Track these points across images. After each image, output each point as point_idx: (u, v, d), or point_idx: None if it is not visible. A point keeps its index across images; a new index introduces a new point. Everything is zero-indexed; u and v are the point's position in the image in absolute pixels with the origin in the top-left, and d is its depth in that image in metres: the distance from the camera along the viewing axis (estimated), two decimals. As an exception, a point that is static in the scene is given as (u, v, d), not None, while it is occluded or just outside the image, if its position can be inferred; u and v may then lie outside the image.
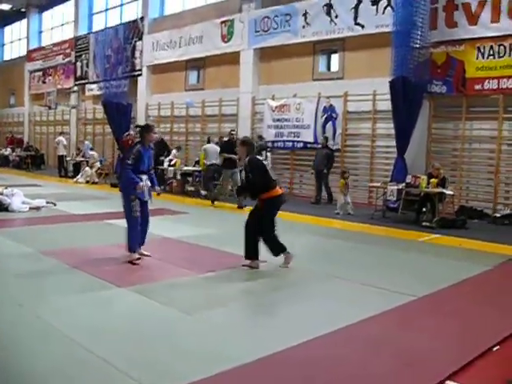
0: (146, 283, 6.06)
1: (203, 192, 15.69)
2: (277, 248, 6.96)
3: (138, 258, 7.06)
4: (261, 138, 16.24)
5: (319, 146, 14.93)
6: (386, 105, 13.53)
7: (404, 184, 11.63)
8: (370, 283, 6.22)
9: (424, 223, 10.91)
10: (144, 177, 7.15)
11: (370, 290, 5.99)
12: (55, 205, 12.23)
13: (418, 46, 12.66)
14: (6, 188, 11.85)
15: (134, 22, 22.20)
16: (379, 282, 6.24)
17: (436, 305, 5.60)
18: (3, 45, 35.35)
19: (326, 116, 15.38)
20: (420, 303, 5.58)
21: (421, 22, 12.56)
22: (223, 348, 4.18)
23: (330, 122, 15.28)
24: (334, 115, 15.20)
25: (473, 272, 7.01)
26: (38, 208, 11.68)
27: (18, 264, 6.76)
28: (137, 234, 7.07)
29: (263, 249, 6.96)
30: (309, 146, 15.66)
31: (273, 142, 16.81)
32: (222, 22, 18.21)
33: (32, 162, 26.27)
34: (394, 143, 13.31)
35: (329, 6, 14.93)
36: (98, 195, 15.40)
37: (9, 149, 28.06)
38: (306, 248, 8.46)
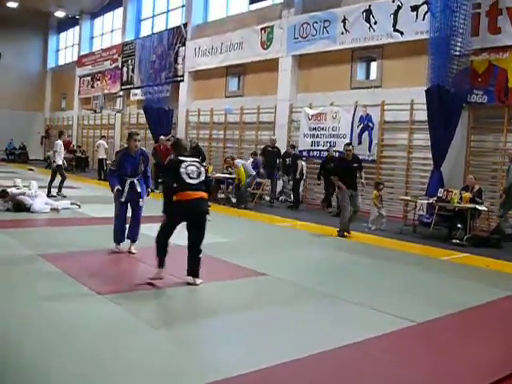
0: (131, 291, 5.75)
1: (233, 199, 15.40)
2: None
3: (116, 252, 7.70)
4: (293, 147, 15.85)
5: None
6: (423, 115, 12.88)
7: (435, 198, 10.98)
8: (370, 304, 5.68)
9: (454, 240, 10.23)
10: (129, 180, 7.59)
11: (366, 312, 5.47)
12: (79, 206, 12.21)
13: (457, 53, 11.99)
14: (29, 188, 11.87)
15: (178, 28, 22.21)
16: (381, 304, 5.70)
17: (432, 333, 5.03)
18: (58, 50, 36.27)
19: (362, 125, 14.84)
20: (415, 330, 5.02)
21: (462, 28, 11.90)
22: (188, 366, 3.81)
23: (367, 132, 14.72)
24: (370, 125, 14.63)
25: (490, 297, 6.36)
26: (57, 209, 11.61)
27: (7, 267, 6.58)
28: (116, 229, 7.80)
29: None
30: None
31: (308, 151, 16.39)
32: (262, 29, 17.93)
33: (77, 164, 26.66)
34: (431, 155, 12.66)
35: (368, 12, 14.41)
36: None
37: (56, 151, 28.55)
38: (317, 263, 8.01)
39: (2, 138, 33.59)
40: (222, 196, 16.49)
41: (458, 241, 10.16)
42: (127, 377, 3.65)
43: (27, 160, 32.53)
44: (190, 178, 6.08)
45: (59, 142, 14.99)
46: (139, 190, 7.69)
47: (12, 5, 29.79)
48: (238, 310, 5.37)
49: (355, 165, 10.84)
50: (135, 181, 7.66)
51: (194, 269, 6.18)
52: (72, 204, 12.20)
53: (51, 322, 4.65)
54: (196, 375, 3.72)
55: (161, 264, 6.19)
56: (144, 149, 7.97)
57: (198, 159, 6.54)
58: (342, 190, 10.46)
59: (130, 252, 7.73)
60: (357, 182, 10.79)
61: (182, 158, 6.23)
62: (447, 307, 5.74)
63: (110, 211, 11.95)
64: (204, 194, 6.18)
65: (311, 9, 16.29)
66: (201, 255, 6.20)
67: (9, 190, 11.60)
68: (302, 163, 15.70)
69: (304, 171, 16.28)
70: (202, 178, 6.20)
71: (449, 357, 4.37)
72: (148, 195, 8.00)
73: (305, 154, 16.44)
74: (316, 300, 5.91)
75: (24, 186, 12.35)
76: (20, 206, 11.17)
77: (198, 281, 6.12)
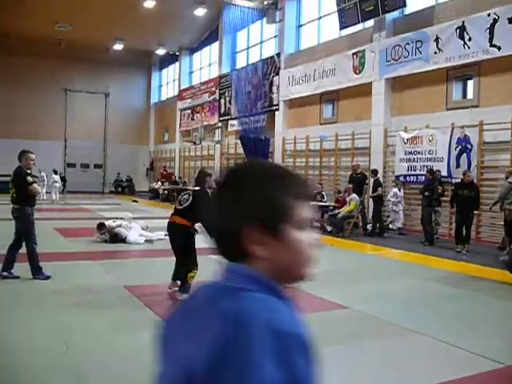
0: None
1: (329, 228, 15.16)
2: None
3: None
4: (375, 172, 15.44)
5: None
6: (526, 134, 12.10)
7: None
8: (451, 341, 5.26)
9: None
10: None
11: (445, 351, 5.06)
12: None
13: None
14: (124, 220, 12.29)
15: (272, 58, 22.48)
16: (464, 342, 5.26)
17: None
18: (160, 86, 37.95)
19: (460, 147, 14.14)
20: (505, 373, 4.57)
21: None
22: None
23: (465, 154, 14.01)
24: (468, 146, 13.92)
25: None
26: (151, 241, 11.91)
27: (88, 296, 6.77)
28: None
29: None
30: (443, 179, 14.46)
31: (405, 176, 15.86)
32: (354, 54, 17.71)
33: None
34: (536, 176, 11.79)
35: (462, 29, 13.82)
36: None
37: (159, 183, 29.72)
38: (405, 295, 7.57)
39: (110, 171, 35.56)
40: (317, 224, 16.28)
41: None
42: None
43: (134, 192, 34.03)
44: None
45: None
46: None
47: (118, 47, 31.62)
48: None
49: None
50: None
51: None
52: (166, 235, 12.38)
53: (107, 355, 4.69)
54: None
55: None
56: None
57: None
58: None
59: None
60: None
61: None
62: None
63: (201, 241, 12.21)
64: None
65: (402, 30, 15.91)
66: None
67: (106, 222, 12.09)
68: (396, 190, 15.33)
69: (389, 197, 15.76)
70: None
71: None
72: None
73: (401, 179, 15.93)
74: (395, 336, 5.57)
75: (119, 218, 12.79)
76: (116, 238, 11.60)
77: None
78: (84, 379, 4.19)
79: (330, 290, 7.45)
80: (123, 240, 11.66)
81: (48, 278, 7.74)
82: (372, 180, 15.48)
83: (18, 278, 7.78)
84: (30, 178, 7.78)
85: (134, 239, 11.69)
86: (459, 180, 13.13)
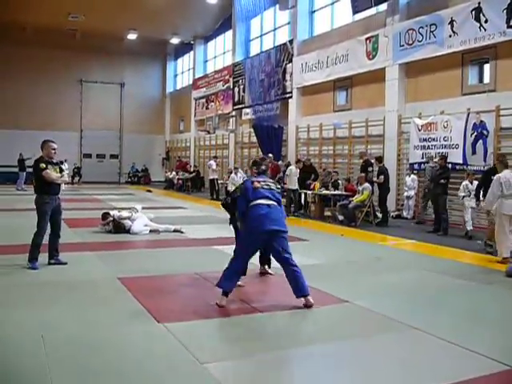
0: (190, 320, 5.45)
1: (340, 217, 14.81)
2: None
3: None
4: (380, 159, 15.09)
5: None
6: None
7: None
8: (454, 340, 4.92)
9: None
10: None
11: (447, 350, 4.73)
12: (182, 233, 11.96)
13: None
14: (136, 212, 12.02)
15: (284, 44, 22.09)
16: (471, 340, 4.92)
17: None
18: (176, 75, 37.75)
19: (475, 134, 13.68)
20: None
21: None
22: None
23: (481, 140, 13.55)
24: (484, 132, 13.45)
25: None
26: (157, 231, 11.69)
27: (78, 288, 6.59)
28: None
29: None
30: (457, 167, 14.03)
31: (419, 163, 15.44)
32: (367, 39, 17.27)
33: (192, 184, 27.33)
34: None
35: (478, 11, 13.31)
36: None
37: (173, 172, 29.59)
38: (411, 288, 7.22)
39: (126, 161, 35.57)
40: (329, 214, 15.96)
41: None
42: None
43: (149, 182, 34.00)
44: None
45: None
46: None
47: (132, 37, 31.47)
48: (303, 344, 4.89)
49: None
50: None
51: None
52: (175, 231, 11.89)
53: (97, 346, 4.48)
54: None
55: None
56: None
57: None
58: None
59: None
60: None
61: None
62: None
63: (210, 233, 11.98)
64: None
65: (416, 13, 15.42)
66: None
67: (111, 212, 11.89)
68: (413, 176, 14.94)
69: (415, 185, 15.49)
70: None
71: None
72: None
73: (416, 166, 15.53)
74: (397, 333, 5.26)
75: (128, 208, 12.56)
76: (119, 228, 11.40)
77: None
78: (60, 375, 3.96)
79: (334, 283, 7.17)
80: (127, 231, 11.46)
81: (35, 268, 7.63)
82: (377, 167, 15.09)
83: (65, 263, 7.96)
84: (42, 165, 7.77)
85: (138, 229, 11.48)
86: (477, 167, 12.76)
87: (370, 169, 15.22)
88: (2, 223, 12.76)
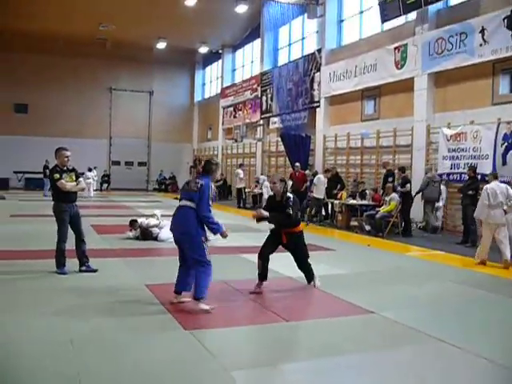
0: (216, 328, 5.47)
1: (367, 227, 14.72)
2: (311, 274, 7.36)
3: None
4: (403, 169, 15.03)
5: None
6: None
7: None
8: (480, 353, 4.84)
9: None
10: None
11: (472, 363, 4.66)
12: (209, 240, 11.96)
13: None
14: (157, 217, 12.11)
15: (313, 54, 22.11)
16: (498, 354, 4.83)
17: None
18: (204, 84, 38.01)
19: (506, 144, 13.49)
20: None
21: None
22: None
23: (511, 152, 13.37)
24: (515, 143, 13.27)
25: None
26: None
27: (105, 293, 6.65)
28: None
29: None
30: (487, 178, 13.81)
31: (448, 174, 15.27)
32: (396, 48, 17.18)
33: (219, 192, 27.41)
34: None
35: (510, 19, 13.13)
36: (261, 228, 15.19)
37: (200, 181, 29.66)
38: (439, 300, 7.13)
39: (154, 169, 35.94)
40: (355, 223, 15.87)
41: None
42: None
43: (177, 189, 34.15)
44: None
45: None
46: None
47: (161, 46, 31.82)
48: (327, 355, 4.85)
49: None
50: None
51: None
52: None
53: (124, 352, 4.52)
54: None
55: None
56: None
57: None
58: None
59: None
60: None
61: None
62: None
63: (238, 241, 11.98)
64: None
65: (446, 22, 15.29)
66: None
67: (139, 220, 12.00)
68: (441, 187, 14.81)
69: (443, 195, 15.32)
70: None
71: None
72: None
73: (444, 177, 15.36)
74: (422, 345, 5.19)
75: (150, 216, 12.62)
76: (147, 235, 11.50)
77: None
78: (89, 379, 4.00)
79: (359, 294, 7.12)
80: (155, 238, 11.55)
81: (64, 273, 7.75)
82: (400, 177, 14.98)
83: (96, 271, 8.03)
84: (56, 175, 7.83)
85: (165, 237, 11.51)
86: (508, 178, 12.59)
87: (390, 179, 15.13)
88: (32, 229, 12.94)
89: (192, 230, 6.11)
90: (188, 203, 6.15)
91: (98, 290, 6.92)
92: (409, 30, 16.82)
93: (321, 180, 16.46)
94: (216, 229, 6.30)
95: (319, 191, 16.31)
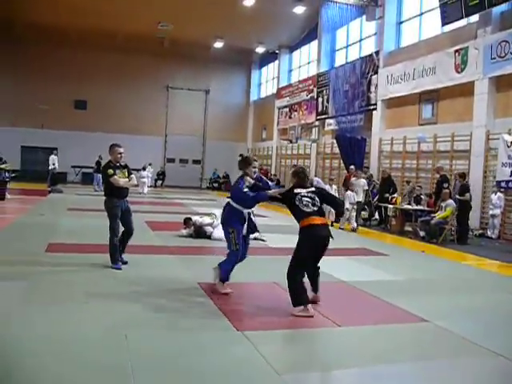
0: (269, 330, 5.51)
1: (422, 233, 14.50)
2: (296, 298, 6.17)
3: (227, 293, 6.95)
4: (463, 176, 14.71)
5: None
6: None
7: None
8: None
9: None
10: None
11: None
12: (263, 241, 12.01)
13: None
14: (215, 217, 12.21)
15: (370, 56, 21.90)
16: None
17: None
18: (260, 84, 38.18)
19: None
20: None
21: None
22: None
23: None
24: None
25: None
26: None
27: (158, 290, 6.79)
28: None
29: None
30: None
31: (507, 181, 14.86)
32: (456, 51, 16.83)
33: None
34: None
35: None
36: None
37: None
38: (495, 312, 6.97)
39: (208, 167, 36.36)
40: (409, 229, 15.64)
41: None
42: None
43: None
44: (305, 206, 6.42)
45: None
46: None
47: (218, 45, 32.15)
48: (379, 362, 4.83)
49: None
50: None
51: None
52: (256, 239, 11.67)
53: (177, 350, 4.63)
54: None
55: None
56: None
57: (313, 189, 6.63)
58: None
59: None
60: None
61: (296, 191, 6.45)
62: None
63: (292, 242, 11.95)
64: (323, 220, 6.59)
65: (510, 24, 14.89)
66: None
67: (193, 218, 12.18)
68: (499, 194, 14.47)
69: (502, 203, 14.96)
70: (316, 208, 6.41)
71: None
72: None
73: (503, 184, 14.96)
74: (476, 359, 5.09)
75: (207, 214, 12.76)
76: (200, 234, 11.66)
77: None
78: (141, 373, 4.12)
79: (414, 301, 7.02)
80: (208, 236, 11.70)
81: (119, 269, 7.94)
82: (458, 184, 14.67)
83: (126, 263, 8.25)
84: (110, 171, 8.04)
85: (219, 236, 11.59)
86: None
87: (445, 185, 14.83)
88: (88, 223, 13.23)
89: (223, 221, 7.10)
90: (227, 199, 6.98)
91: (152, 287, 7.06)
92: (470, 33, 16.46)
93: (361, 183, 16.31)
94: (262, 196, 6.73)
95: (358, 194, 16.15)
